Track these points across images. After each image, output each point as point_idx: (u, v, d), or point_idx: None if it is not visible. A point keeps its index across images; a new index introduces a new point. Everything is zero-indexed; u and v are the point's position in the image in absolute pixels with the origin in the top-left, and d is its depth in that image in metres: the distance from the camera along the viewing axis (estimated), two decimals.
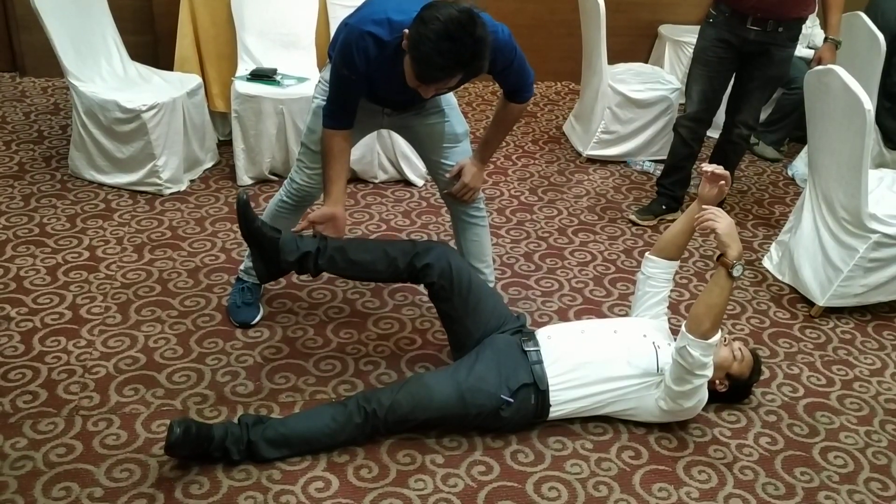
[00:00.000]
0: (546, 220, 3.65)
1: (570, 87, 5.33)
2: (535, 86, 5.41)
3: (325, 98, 2.39)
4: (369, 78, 2.29)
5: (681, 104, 3.89)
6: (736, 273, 2.19)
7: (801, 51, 4.26)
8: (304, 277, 3.05)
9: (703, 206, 2.36)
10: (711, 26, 3.36)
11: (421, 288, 3.02)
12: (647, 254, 2.61)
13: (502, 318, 2.47)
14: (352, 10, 2.37)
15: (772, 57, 3.30)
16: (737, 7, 3.24)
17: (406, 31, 2.11)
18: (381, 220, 3.53)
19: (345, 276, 2.51)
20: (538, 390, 2.30)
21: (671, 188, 3.68)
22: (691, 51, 3.62)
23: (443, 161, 2.61)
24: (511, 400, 2.27)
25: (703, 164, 2.47)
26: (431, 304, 2.91)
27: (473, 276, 2.48)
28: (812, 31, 4.67)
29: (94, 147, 3.54)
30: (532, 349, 2.36)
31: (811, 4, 3.26)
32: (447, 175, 2.60)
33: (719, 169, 2.39)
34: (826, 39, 3.34)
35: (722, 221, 2.25)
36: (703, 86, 3.44)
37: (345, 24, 2.29)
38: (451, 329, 2.49)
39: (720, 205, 2.40)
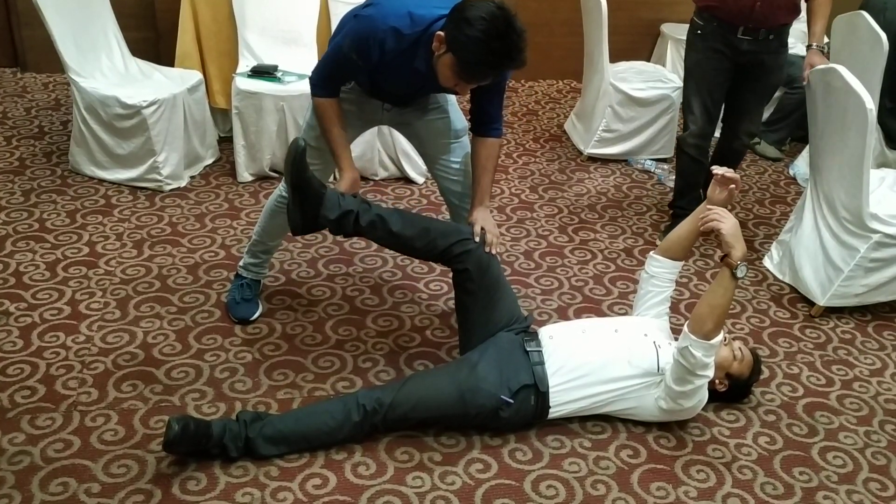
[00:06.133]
0: (546, 219, 3.65)
1: (572, 85, 5.32)
2: (535, 84, 5.39)
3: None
4: (378, 68, 2.29)
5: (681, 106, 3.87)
6: (740, 274, 2.18)
7: (803, 50, 4.24)
8: (303, 275, 3.05)
9: (709, 207, 2.35)
10: (701, 38, 3.26)
11: (421, 286, 3.02)
12: (651, 253, 2.59)
13: (513, 316, 2.47)
14: (353, 7, 2.36)
15: (766, 67, 3.23)
16: (725, 19, 3.15)
17: (440, 33, 2.12)
18: None
19: (378, 243, 2.53)
20: (538, 392, 2.29)
21: (687, 207, 3.52)
22: None
23: (443, 157, 2.60)
24: (511, 401, 2.27)
25: (713, 167, 2.42)
26: (431, 302, 2.92)
27: (501, 273, 2.48)
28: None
29: (95, 143, 3.54)
30: (534, 349, 2.35)
31: (796, 10, 3.18)
32: (475, 238, 2.45)
33: (730, 172, 2.36)
34: (809, 47, 3.19)
35: (727, 222, 2.25)
36: (702, 99, 3.33)
37: (356, 15, 2.28)
38: (465, 319, 2.48)
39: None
